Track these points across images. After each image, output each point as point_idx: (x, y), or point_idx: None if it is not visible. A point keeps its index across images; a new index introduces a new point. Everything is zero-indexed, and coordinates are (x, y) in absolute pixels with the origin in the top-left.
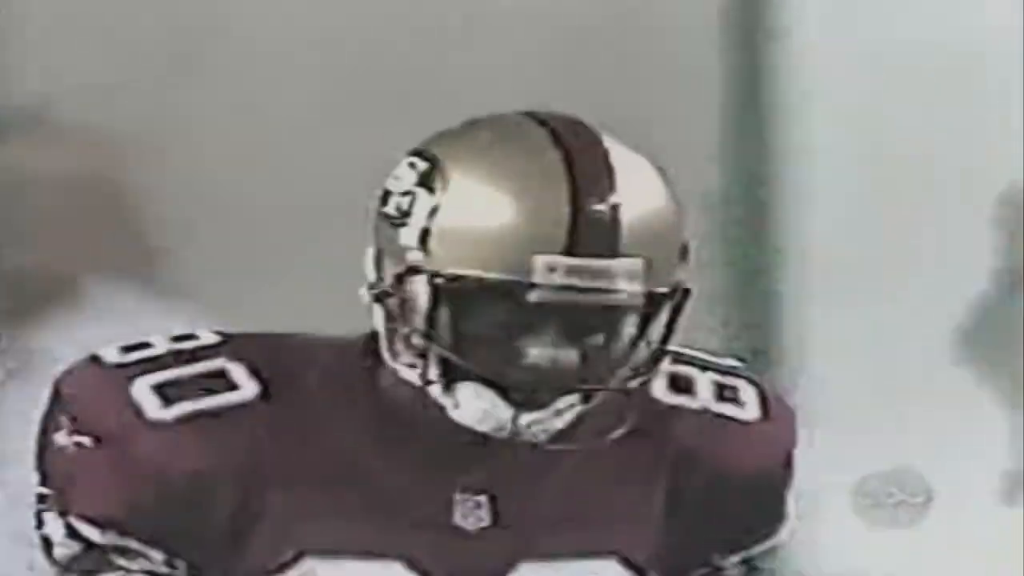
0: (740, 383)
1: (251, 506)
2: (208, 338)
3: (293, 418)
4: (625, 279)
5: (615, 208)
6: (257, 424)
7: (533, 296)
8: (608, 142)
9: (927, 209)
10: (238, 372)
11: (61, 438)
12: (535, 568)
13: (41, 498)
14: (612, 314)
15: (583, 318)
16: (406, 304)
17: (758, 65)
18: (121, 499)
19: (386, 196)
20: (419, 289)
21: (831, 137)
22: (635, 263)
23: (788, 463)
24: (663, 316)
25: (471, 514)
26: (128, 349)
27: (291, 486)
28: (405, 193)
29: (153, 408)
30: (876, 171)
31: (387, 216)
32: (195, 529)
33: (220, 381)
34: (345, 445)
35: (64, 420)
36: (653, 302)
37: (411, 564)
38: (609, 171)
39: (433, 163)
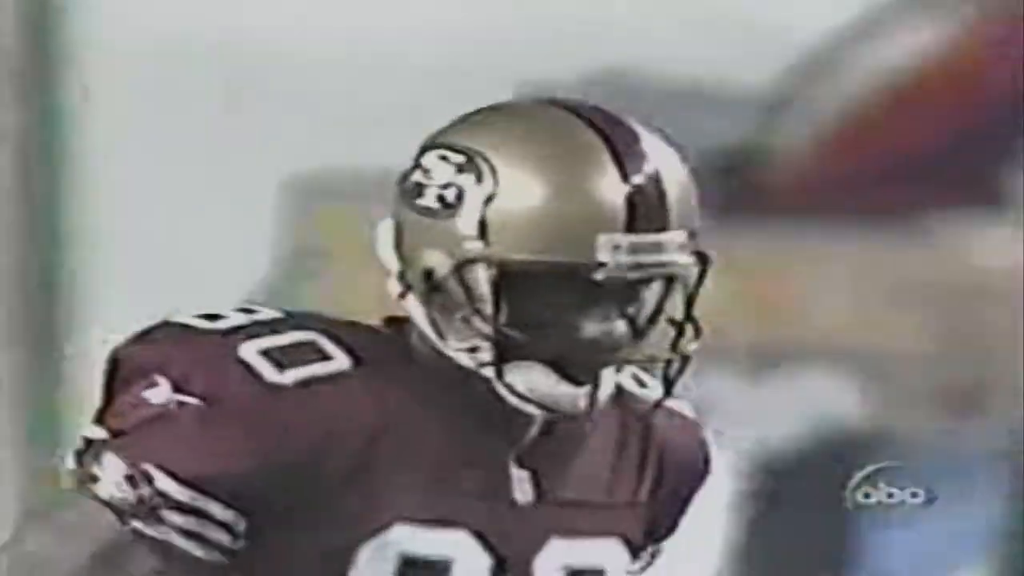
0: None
1: (358, 471)
2: (272, 312)
3: (383, 389)
4: (676, 250)
5: (659, 184)
6: (361, 392)
7: (600, 275)
8: (629, 120)
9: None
10: (326, 343)
11: (156, 395)
12: (562, 544)
13: (96, 442)
14: (657, 285)
15: (633, 291)
16: (466, 291)
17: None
18: (228, 459)
19: (418, 189)
20: (479, 276)
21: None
22: (682, 234)
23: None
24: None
25: (522, 488)
26: (208, 318)
27: (390, 454)
28: (446, 185)
29: (270, 372)
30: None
31: (426, 209)
32: (298, 494)
33: (314, 351)
34: (422, 418)
35: (161, 379)
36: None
37: (476, 534)
38: (643, 149)
39: (469, 155)
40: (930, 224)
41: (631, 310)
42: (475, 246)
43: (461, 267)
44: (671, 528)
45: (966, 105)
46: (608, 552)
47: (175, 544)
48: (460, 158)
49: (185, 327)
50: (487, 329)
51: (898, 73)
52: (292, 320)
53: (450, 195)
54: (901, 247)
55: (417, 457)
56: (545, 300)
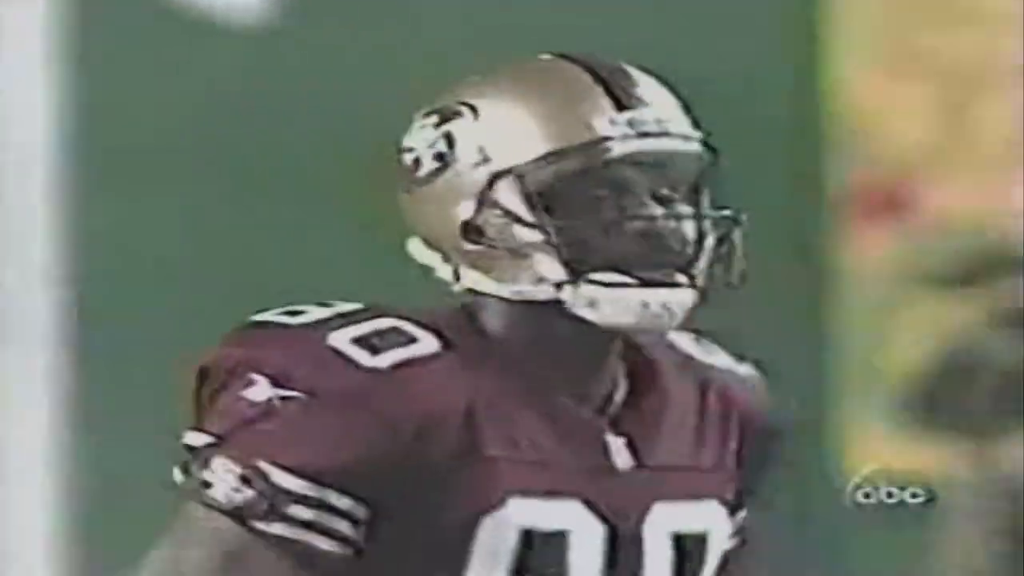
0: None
1: (464, 449)
2: (346, 304)
3: (475, 368)
4: (677, 125)
5: (643, 98)
6: (454, 371)
7: (614, 150)
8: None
9: None
10: (409, 327)
11: (256, 394)
12: (666, 509)
13: (201, 448)
14: (685, 167)
15: (661, 174)
16: (505, 215)
17: None
18: (338, 447)
19: (415, 164)
20: (507, 197)
21: None
22: (679, 118)
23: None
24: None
25: (620, 454)
26: (289, 315)
27: (492, 430)
28: (433, 143)
29: (365, 358)
30: None
31: (428, 174)
32: (410, 476)
33: (401, 335)
34: (514, 393)
35: (257, 378)
36: (703, 159)
37: (587, 503)
38: (631, 77)
39: (443, 109)
40: None
41: (677, 196)
42: (485, 168)
43: (485, 195)
44: (752, 493)
45: None
46: (710, 515)
47: (301, 540)
48: (434, 117)
49: (269, 324)
50: (540, 236)
51: None
52: (371, 309)
53: (441, 144)
54: None
55: (517, 431)
56: (575, 206)
